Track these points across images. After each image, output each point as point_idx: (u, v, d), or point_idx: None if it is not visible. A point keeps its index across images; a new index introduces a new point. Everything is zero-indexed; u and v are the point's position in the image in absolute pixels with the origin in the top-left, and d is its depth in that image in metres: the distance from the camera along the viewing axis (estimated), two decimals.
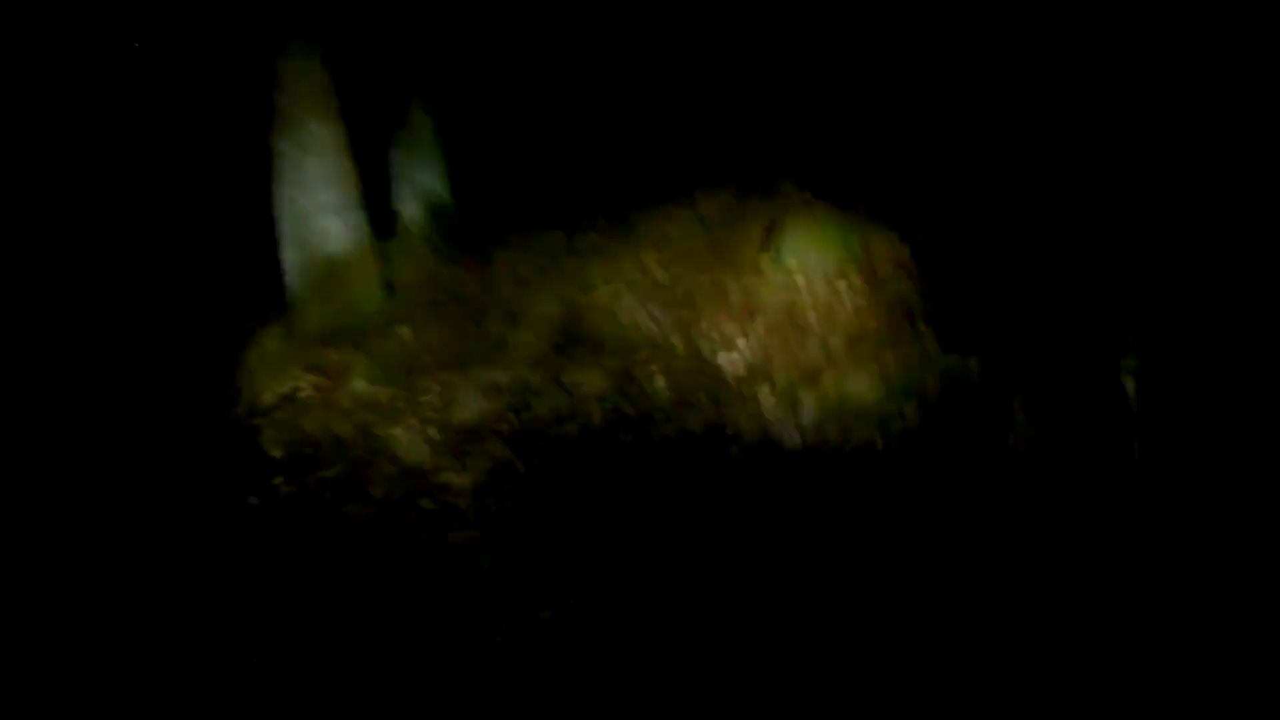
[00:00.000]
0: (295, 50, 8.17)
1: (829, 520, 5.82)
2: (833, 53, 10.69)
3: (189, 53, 10.59)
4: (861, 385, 6.68)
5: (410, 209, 9.54)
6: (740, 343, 7.40)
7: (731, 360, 7.21)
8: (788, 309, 7.78)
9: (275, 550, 5.91)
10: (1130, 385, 6.06)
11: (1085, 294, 7.10)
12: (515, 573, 5.58)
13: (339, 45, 8.50)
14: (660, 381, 7.04)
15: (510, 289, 8.73)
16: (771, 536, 5.71)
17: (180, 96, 10.90)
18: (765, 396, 6.81)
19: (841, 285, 7.86)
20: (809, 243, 8.34)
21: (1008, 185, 8.46)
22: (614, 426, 6.75)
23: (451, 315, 8.37)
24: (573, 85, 11.92)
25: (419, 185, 9.57)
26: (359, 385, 7.44)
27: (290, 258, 8.25)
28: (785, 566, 5.48)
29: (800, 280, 8.04)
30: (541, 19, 11.50)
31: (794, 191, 9.01)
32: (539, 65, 11.75)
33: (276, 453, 6.95)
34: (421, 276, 9.05)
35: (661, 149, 11.02)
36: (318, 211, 8.18)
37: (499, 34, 11.27)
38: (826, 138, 9.86)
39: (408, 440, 6.93)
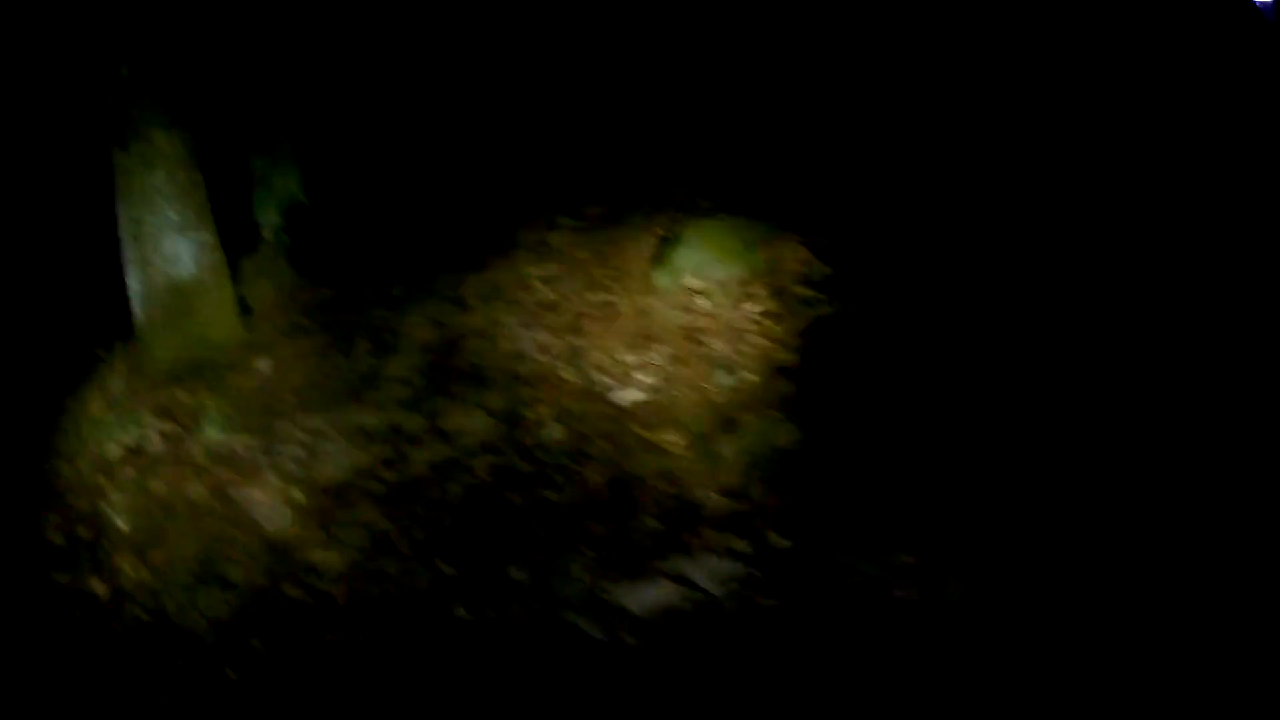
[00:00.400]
0: (133, 51, 7.17)
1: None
2: (721, 50, 9.92)
3: (16, 54, 9.41)
4: (786, 434, 5.88)
5: (270, 219, 8.59)
6: (640, 376, 6.61)
7: (632, 399, 6.41)
8: (689, 334, 7.02)
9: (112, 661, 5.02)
10: None
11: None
12: (400, 687, 4.76)
13: (182, 43, 7.51)
14: (554, 429, 6.22)
15: (378, 309, 7.85)
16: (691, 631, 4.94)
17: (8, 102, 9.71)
18: (674, 445, 6.00)
19: (749, 306, 7.12)
20: (709, 255, 7.59)
21: (927, 183, 7.79)
22: (502, 484, 5.92)
23: (315, 342, 7.48)
24: (444, 81, 10.99)
25: (278, 192, 8.62)
26: (213, 434, 6.53)
27: (135, 282, 7.29)
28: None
29: (702, 301, 7.29)
30: (412, 13, 10.56)
31: (689, 198, 8.25)
32: (408, 59, 10.80)
33: (123, 523, 6.04)
34: (281, 297, 8.13)
35: (542, 149, 10.17)
36: (164, 230, 7.22)
37: (364, 24, 10.32)
38: (722, 140, 9.07)
39: (268, 505, 6.05)
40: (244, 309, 7.65)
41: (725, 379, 6.45)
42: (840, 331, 6.64)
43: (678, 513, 5.50)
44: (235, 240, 8.10)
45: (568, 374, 6.78)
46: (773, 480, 5.56)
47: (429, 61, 10.89)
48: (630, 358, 6.84)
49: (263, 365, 7.09)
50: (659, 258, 7.71)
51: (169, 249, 7.24)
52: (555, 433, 6.15)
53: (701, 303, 7.35)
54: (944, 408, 5.75)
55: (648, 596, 5.03)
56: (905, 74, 8.88)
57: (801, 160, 8.45)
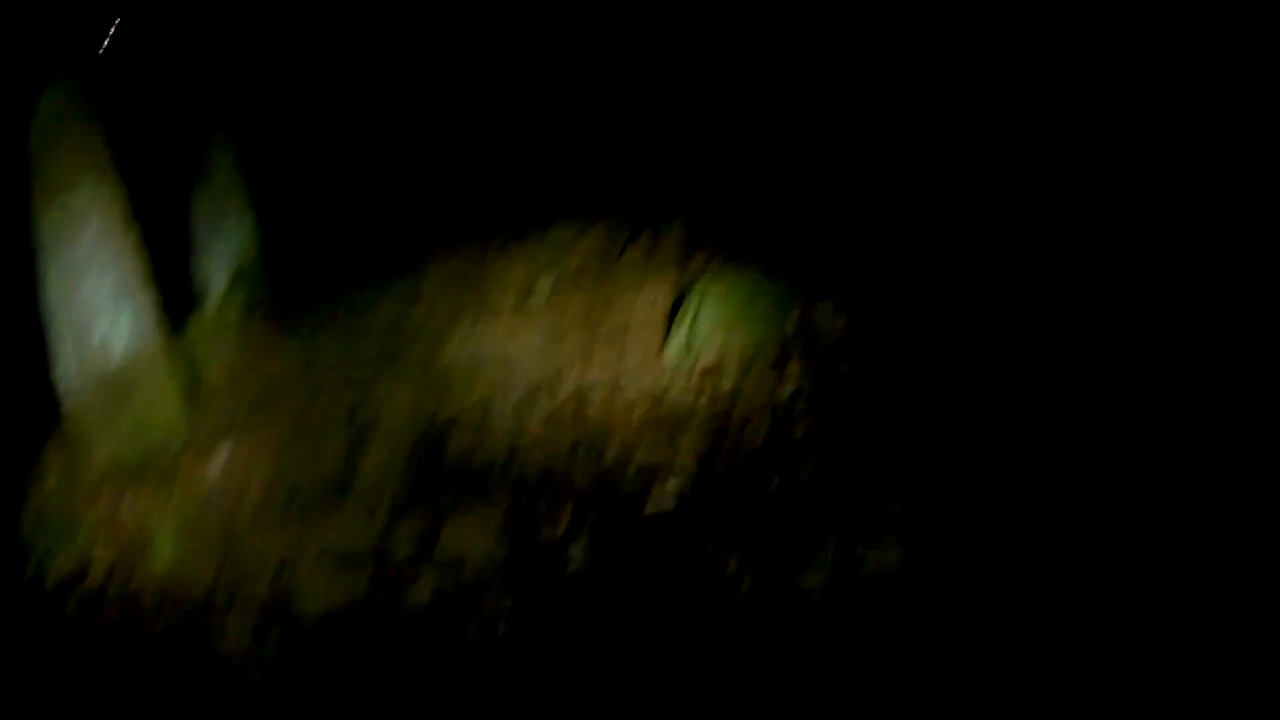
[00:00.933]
0: (56, 92, 6.02)
1: None
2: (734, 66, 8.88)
3: None
4: (887, 556, 4.82)
5: (218, 277, 7.42)
6: (668, 482, 5.56)
7: (662, 509, 5.35)
8: (718, 424, 5.98)
9: None
10: None
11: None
12: None
13: (112, 81, 6.36)
14: (575, 550, 5.15)
15: (348, 383, 6.74)
16: None
17: None
18: (727, 571, 4.95)
19: (785, 388, 6.10)
20: (728, 320, 6.55)
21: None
22: (524, 629, 4.84)
23: (278, 427, 6.36)
24: (402, 104, 9.85)
25: (226, 246, 7.46)
26: (165, 556, 5.39)
27: (66, 363, 6.13)
28: None
29: (727, 381, 6.25)
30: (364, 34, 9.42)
31: (695, 234, 7.22)
32: (361, 86, 9.67)
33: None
34: (237, 367, 6.99)
35: (515, 183, 9.08)
36: (96, 301, 6.09)
37: (313, 48, 9.18)
38: (726, 163, 8.02)
39: (240, 652, 4.93)
40: (194, 386, 6.49)
41: (769, 480, 5.40)
42: (901, 415, 5.63)
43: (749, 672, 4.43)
44: (179, 302, 6.96)
45: (578, 477, 5.71)
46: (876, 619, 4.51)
47: (399, 77, 9.78)
48: (653, 457, 5.78)
49: (218, 462, 5.98)
50: (671, 327, 6.65)
51: (105, 322, 6.10)
52: (577, 555, 5.07)
53: (726, 384, 6.31)
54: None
55: None
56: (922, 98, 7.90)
57: (829, 198, 7.40)
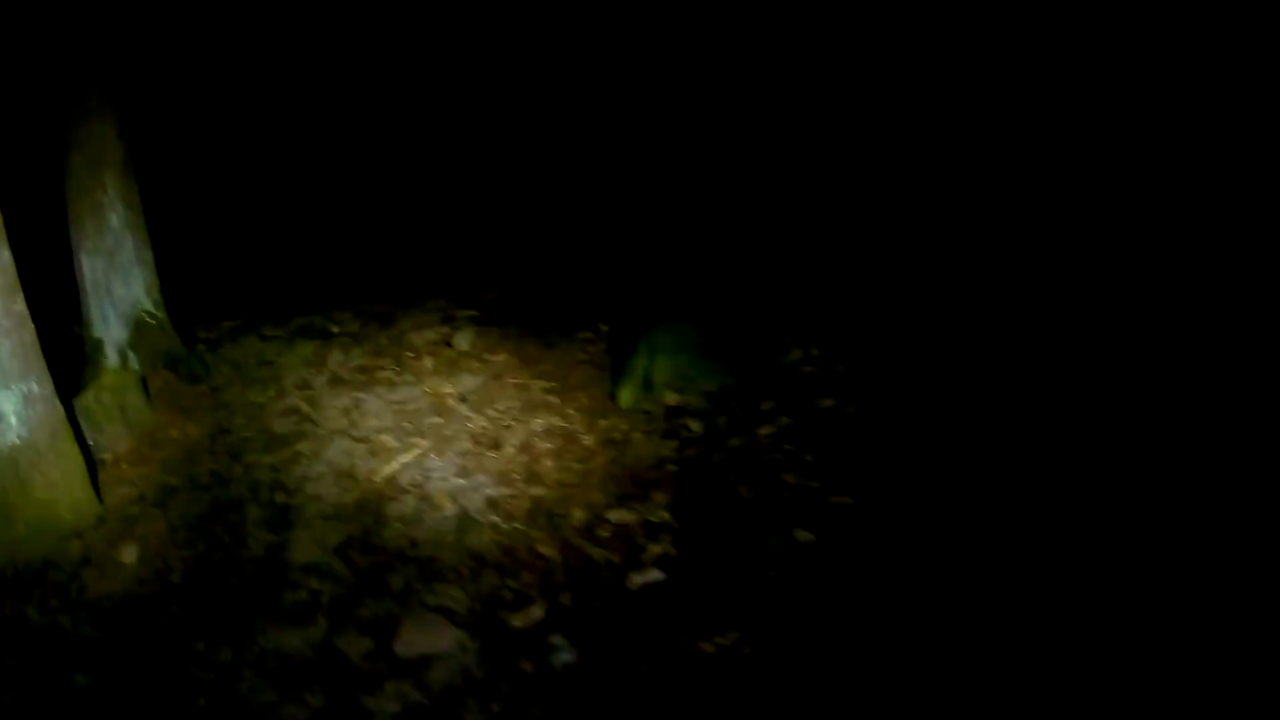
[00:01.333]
0: None
1: None
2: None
3: None
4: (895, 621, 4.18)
5: (113, 330, 6.56)
6: (649, 545, 4.89)
7: (649, 581, 4.68)
8: (693, 473, 5.33)
9: None
10: None
11: None
12: None
13: None
14: (560, 645, 4.44)
15: (261, 452, 5.97)
16: None
17: None
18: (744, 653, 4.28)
19: (764, 430, 5.48)
20: (687, 360, 5.93)
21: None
22: None
23: (190, 508, 5.55)
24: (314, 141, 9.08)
25: (122, 300, 6.59)
26: (81, 685, 4.57)
27: None
28: None
29: (694, 424, 5.62)
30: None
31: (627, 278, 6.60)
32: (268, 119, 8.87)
33: None
34: (139, 440, 6.14)
35: (430, 221, 8.36)
36: None
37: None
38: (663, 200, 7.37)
39: None
40: (92, 469, 5.66)
41: (765, 537, 4.76)
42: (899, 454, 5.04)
43: None
44: (65, 368, 6.12)
45: (545, 546, 5.01)
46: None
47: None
48: (626, 516, 5.11)
49: (128, 557, 5.14)
50: (623, 369, 6.00)
51: None
52: (564, 653, 4.36)
53: (695, 426, 5.67)
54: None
55: None
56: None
57: (783, 229, 6.80)
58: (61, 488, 5.28)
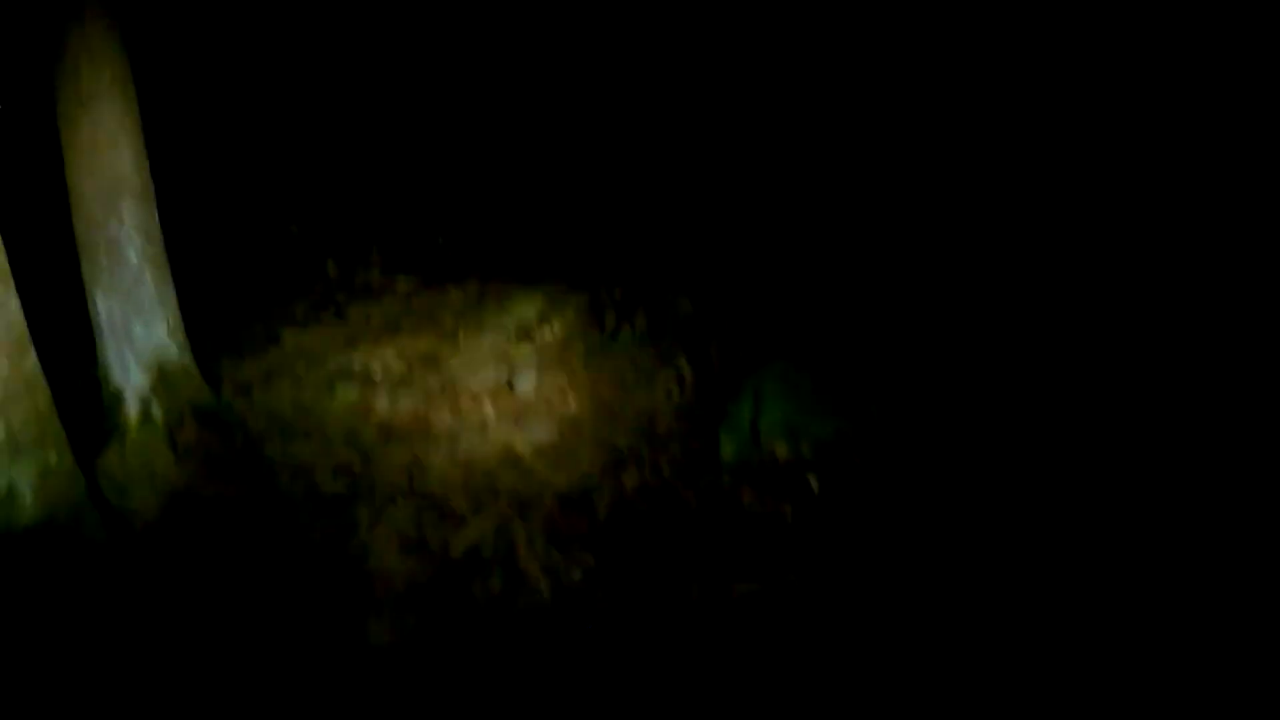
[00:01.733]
0: None
1: None
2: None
3: None
4: None
5: (134, 382, 5.70)
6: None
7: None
8: (819, 540, 4.53)
9: None
10: None
11: None
12: None
13: None
14: None
15: (313, 511, 5.14)
16: None
17: None
18: None
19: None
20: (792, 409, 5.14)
21: None
22: None
23: (242, 593, 4.71)
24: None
25: (142, 344, 5.73)
26: None
27: None
28: None
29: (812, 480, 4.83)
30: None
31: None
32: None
33: None
34: (171, 501, 5.31)
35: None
36: None
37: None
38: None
39: None
40: (124, 536, 4.84)
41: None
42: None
43: None
44: (82, 418, 5.29)
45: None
46: None
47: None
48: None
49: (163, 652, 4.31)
50: (723, 417, 5.21)
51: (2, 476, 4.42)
52: None
53: (813, 484, 4.88)
54: None
55: None
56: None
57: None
58: (82, 566, 4.44)
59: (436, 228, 7.81)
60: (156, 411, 5.61)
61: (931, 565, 4.21)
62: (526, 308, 6.80)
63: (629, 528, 4.76)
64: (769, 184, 6.99)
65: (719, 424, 5.25)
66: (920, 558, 4.27)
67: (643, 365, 5.99)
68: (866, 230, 6.39)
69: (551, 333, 6.55)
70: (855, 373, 5.27)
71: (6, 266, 4.40)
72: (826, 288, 5.98)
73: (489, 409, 5.91)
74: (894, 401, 5.13)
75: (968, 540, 4.30)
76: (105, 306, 5.57)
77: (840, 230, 6.43)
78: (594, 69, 8.11)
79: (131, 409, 5.57)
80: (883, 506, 4.60)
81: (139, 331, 5.63)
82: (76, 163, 5.36)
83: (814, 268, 6.11)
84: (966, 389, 5.10)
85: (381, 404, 6.07)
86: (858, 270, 6.14)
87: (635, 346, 6.14)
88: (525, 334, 6.58)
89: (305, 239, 7.88)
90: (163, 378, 5.65)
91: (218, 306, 6.72)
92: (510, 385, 6.09)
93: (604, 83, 8.03)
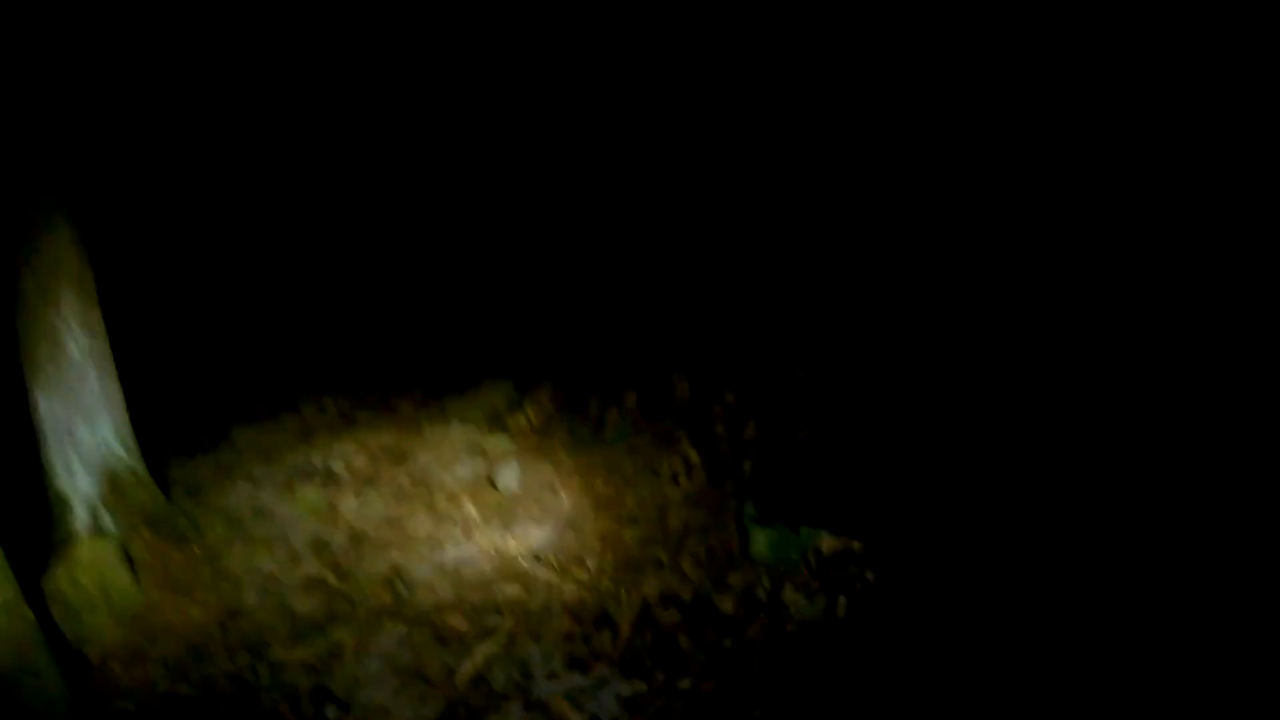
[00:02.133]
0: None
1: None
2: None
3: None
4: None
5: (83, 489, 5.07)
6: None
7: None
8: (878, 642, 4.10)
9: None
10: None
11: None
12: None
13: None
14: None
15: (287, 638, 4.57)
16: None
17: None
18: None
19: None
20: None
21: None
22: None
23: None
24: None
25: (88, 446, 5.11)
26: None
27: None
28: None
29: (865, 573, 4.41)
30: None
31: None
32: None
33: None
34: (129, 637, 4.70)
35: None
36: None
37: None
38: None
39: None
40: (77, 660, 4.23)
41: None
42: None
43: None
44: (25, 528, 4.67)
45: None
46: None
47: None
48: None
49: None
50: (752, 510, 4.77)
51: None
52: None
53: (867, 577, 4.45)
54: None
55: None
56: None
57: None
58: (35, 694, 3.84)
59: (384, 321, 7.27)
60: (107, 521, 5.02)
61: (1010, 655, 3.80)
62: (493, 395, 6.29)
63: (661, 645, 4.25)
64: (752, 241, 6.58)
65: (741, 515, 4.77)
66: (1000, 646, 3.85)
67: (640, 451, 5.50)
68: (865, 285, 6.01)
69: (527, 420, 6.04)
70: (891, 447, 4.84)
71: None
72: (835, 351, 5.55)
73: (470, 509, 5.38)
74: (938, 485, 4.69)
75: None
76: (47, 406, 4.98)
77: (839, 286, 6.03)
78: (556, 141, 7.63)
79: (79, 519, 4.98)
80: (943, 595, 4.15)
81: (83, 433, 5.05)
82: (14, 255, 4.75)
83: (816, 330, 5.67)
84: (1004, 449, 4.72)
85: (348, 504, 5.52)
86: (862, 326, 5.75)
87: (628, 431, 5.64)
88: (497, 422, 6.06)
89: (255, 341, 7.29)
90: (111, 483, 5.06)
91: (162, 400, 6.06)
92: (491, 481, 5.56)
93: (564, 160, 7.56)
